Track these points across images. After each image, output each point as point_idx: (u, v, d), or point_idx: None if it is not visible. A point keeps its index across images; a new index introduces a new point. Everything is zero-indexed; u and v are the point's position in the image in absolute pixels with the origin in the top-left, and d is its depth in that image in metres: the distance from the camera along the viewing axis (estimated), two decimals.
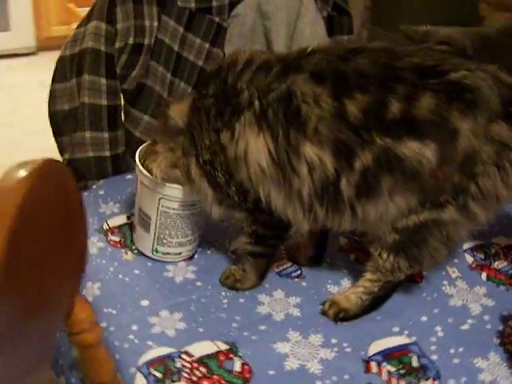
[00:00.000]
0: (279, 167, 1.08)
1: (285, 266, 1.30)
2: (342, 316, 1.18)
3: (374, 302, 1.19)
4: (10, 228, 0.64)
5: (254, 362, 1.08)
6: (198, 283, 1.25)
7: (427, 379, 1.08)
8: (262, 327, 1.16)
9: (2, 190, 0.67)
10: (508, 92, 1.05)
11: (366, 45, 1.11)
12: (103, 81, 1.51)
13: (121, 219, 1.41)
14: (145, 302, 1.19)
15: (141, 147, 1.27)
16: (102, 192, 1.50)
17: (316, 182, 1.07)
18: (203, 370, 1.07)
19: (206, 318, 1.17)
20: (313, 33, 1.82)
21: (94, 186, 1.52)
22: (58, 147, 1.62)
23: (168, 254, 1.30)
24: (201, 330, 1.15)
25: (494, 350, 1.13)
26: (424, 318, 1.19)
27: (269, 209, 1.12)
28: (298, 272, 1.29)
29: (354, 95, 1.03)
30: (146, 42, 1.57)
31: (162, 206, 1.24)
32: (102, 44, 1.49)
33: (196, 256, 1.33)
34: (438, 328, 1.17)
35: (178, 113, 1.17)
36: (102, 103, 1.52)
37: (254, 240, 1.20)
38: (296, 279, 1.28)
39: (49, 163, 0.73)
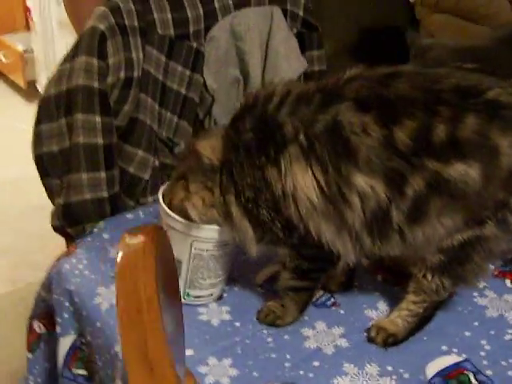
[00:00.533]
0: (330, 200, 1.06)
1: (317, 296, 1.27)
2: (391, 341, 1.17)
3: (420, 323, 1.19)
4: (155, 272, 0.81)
5: None
6: (237, 324, 1.22)
7: None
8: (316, 363, 1.13)
9: (137, 247, 0.82)
10: None
11: (401, 69, 1.10)
12: (98, 119, 1.43)
13: None
14: (189, 352, 1.14)
15: (163, 188, 1.22)
16: (106, 236, 1.43)
17: (367, 212, 1.06)
18: None
19: (255, 360, 1.14)
20: (287, 50, 1.81)
21: (96, 230, 1.45)
22: (47, 191, 1.53)
23: (200, 296, 1.25)
24: (255, 374, 1.11)
25: None
26: (467, 333, 1.20)
27: (316, 242, 1.10)
28: (332, 300, 1.27)
29: (401, 121, 1.03)
30: (135, 74, 1.50)
31: (195, 249, 1.19)
32: (94, 80, 1.41)
33: (225, 295, 1.29)
34: (484, 342, 1.18)
35: (210, 150, 1.13)
36: (98, 142, 1.44)
37: (296, 275, 1.17)
38: (333, 308, 1.26)
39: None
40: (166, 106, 1.59)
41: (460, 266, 1.13)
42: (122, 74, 1.47)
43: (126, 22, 1.48)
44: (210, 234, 1.18)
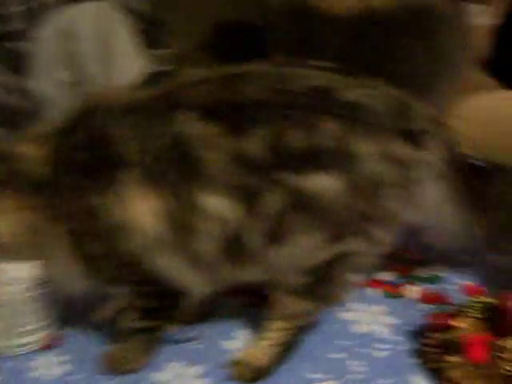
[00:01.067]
0: (174, 230, 0.90)
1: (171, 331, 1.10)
2: (262, 375, 1.04)
3: (288, 350, 1.06)
4: None
5: None
6: (78, 376, 1.04)
7: None
8: None
9: None
10: (398, 106, 0.97)
11: (250, 68, 0.96)
12: None
13: None
14: None
15: None
16: None
17: (220, 238, 0.92)
18: None
19: None
20: (129, 49, 1.64)
21: None
22: None
23: (22, 345, 1.06)
24: None
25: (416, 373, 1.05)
26: (336, 355, 1.09)
27: (159, 279, 0.95)
28: (191, 333, 1.12)
29: (252, 130, 0.89)
30: None
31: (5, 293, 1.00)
32: None
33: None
34: (355, 362, 1.08)
35: (35, 158, 0.93)
36: None
37: (142, 315, 1.01)
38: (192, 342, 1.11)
39: None
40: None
41: (326, 285, 1.01)
42: None
43: None
44: (24, 273, 1.00)
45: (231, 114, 0.90)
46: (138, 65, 1.62)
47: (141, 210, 0.89)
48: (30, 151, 0.95)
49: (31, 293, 1.01)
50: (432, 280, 1.26)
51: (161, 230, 0.90)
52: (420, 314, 1.16)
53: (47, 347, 1.08)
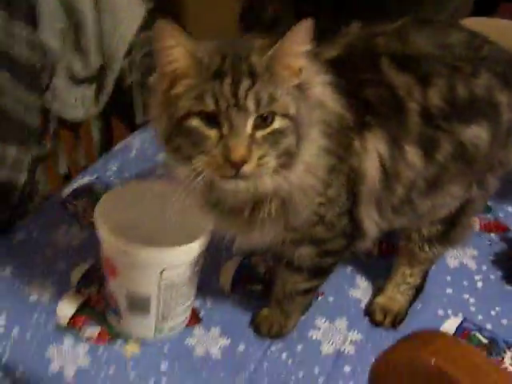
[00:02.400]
0: (385, 177, 0.91)
1: None
2: (400, 320, 1.10)
3: (419, 292, 1.13)
4: None
5: None
6: (240, 348, 1.02)
7: (509, 348, 1.08)
8: (347, 368, 1.01)
9: None
10: None
11: (405, 22, 0.96)
12: None
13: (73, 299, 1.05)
14: None
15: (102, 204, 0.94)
16: (7, 272, 1.08)
17: (405, 187, 0.93)
18: None
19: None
20: None
21: None
22: None
23: (174, 327, 1.02)
24: None
25: None
26: (449, 291, 1.17)
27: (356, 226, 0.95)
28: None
29: (433, 81, 0.91)
30: None
31: (166, 278, 0.94)
32: None
33: (201, 313, 1.07)
34: (466, 296, 1.16)
35: None
36: None
37: (314, 274, 0.99)
38: (319, 298, 1.12)
39: None
40: (19, 81, 1.19)
41: (456, 230, 1.08)
42: None
43: None
44: (182, 256, 0.94)
45: (416, 66, 0.91)
46: (138, 11, 1.49)
47: (372, 162, 0.89)
48: None
49: (189, 272, 0.96)
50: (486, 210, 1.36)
51: (378, 180, 0.91)
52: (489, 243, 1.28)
53: (193, 323, 1.04)
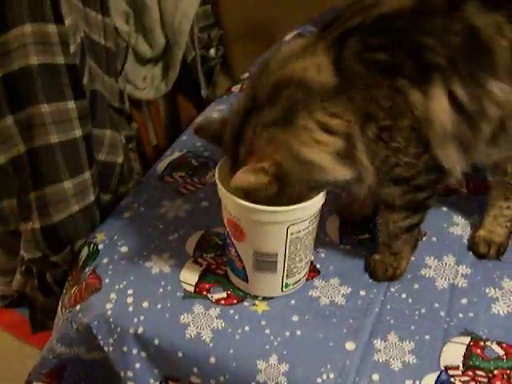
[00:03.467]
0: (465, 116, 0.93)
1: None
2: (503, 251, 1.14)
3: None
4: None
5: None
6: (362, 293, 1.07)
7: None
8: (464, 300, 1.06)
9: None
10: None
11: None
12: (71, 105, 1.05)
13: (194, 268, 1.10)
14: (351, 345, 0.99)
15: (221, 166, 0.99)
16: (124, 249, 1.13)
17: (495, 122, 0.95)
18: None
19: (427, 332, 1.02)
20: None
21: (101, 246, 1.13)
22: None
23: (298, 281, 1.07)
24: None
25: None
26: None
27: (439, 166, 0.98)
28: None
29: None
30: (83, 36, 1.11)
31: (292, 234, 0.98)
32: (57, 54, 1.01)
33: (318, 266, 1.12)
34: None
35: (315, 71, 0.90)
36: (77, 135, 1.07)
37: (411, 210, 1.03)
38: (424, 238, 1.16)
39: None
40: (101, 66, 1.22)
41: None
42: (79, 38, 1.08)
43: None
44: (306, 210, 0.98)
45: (506, 4, 0.93)
46: None
47: (441, 107, 0.91)
48: (307, 66, 0.92)
49: (311, 226, 1.00)
50: None
51: (451, 122, 0.93)
52: None
53: (312, 276, 1.10)
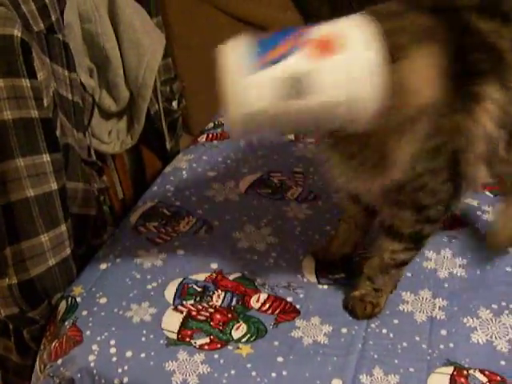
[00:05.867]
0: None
1: None
2: None
3: None
4: None
5: None
6: (343, 331, 1.08)
7: None
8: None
9: None
10: None
11: None
12: (46, 158, 1.05)
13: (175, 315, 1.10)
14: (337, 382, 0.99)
15: None
16: (103, 300, 1.12)
17: None
18: None
19: None
20: (143, 23, 1.53)
21: (79, 299, 1.11)
22: None
23: None
24: None
25: None
26: None
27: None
28: None
29: None
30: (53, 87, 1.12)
31: None
32: (32, 108, 1.02)
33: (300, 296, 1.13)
34: None
35: None
36: (52, 188, 1.06)
37: (414, 243, 1.05)
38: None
39: None
40: (70, 121, 1.23)
41: None
42: (51, 91, 1.08)
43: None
44: None
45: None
46: (157, 38, 1.54)
47: (483, 129, 0.94)
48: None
49: None
50: None
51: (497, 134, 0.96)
52: None
53: (294, 317, 1.10)
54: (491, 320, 1.09)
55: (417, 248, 1.08)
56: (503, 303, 1.12)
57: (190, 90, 1.97)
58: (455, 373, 1.01)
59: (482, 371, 1.01)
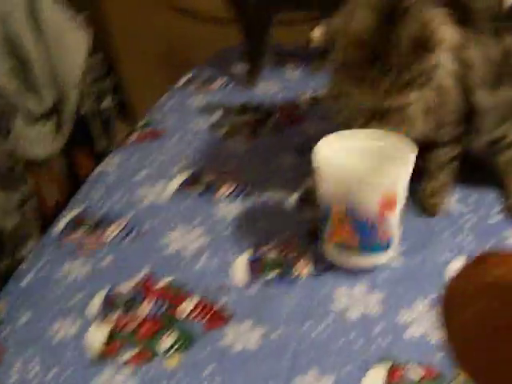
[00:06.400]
0: None
1: None
2: None
3: None
4: None
5: None
6: (276, 332, 1.04)
7: None
8: None
9: None
10: None
11: None
12: None
13: (100, 329, 1.05)
14: None
15: None
16: (25, 317, 1.06)
17: None
18: None
19: None
20: (67, 21, 1.48)
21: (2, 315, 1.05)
22: None
23: None
24: None
25: None
26: None
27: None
28: None
29: None
30: None
31: None
32: None
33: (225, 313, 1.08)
34: None
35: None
36: None
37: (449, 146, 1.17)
38: None
39: None
40: None
41: None
42: None
43: None
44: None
45: None
46: (83, 37, 1.48)
47: None
48: None
49: None
50: None
51: None
52: None
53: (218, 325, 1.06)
54: (427, 313, 1.06)
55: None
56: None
57: (132, 79, 1.93)
58: (391, 369, 0.98)
59: (418, 365, 0.98)
